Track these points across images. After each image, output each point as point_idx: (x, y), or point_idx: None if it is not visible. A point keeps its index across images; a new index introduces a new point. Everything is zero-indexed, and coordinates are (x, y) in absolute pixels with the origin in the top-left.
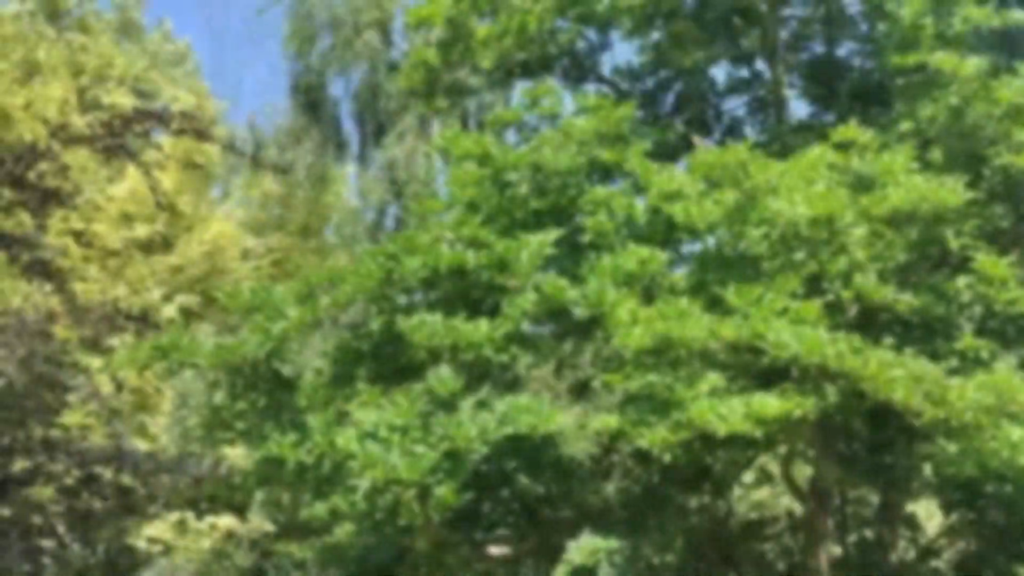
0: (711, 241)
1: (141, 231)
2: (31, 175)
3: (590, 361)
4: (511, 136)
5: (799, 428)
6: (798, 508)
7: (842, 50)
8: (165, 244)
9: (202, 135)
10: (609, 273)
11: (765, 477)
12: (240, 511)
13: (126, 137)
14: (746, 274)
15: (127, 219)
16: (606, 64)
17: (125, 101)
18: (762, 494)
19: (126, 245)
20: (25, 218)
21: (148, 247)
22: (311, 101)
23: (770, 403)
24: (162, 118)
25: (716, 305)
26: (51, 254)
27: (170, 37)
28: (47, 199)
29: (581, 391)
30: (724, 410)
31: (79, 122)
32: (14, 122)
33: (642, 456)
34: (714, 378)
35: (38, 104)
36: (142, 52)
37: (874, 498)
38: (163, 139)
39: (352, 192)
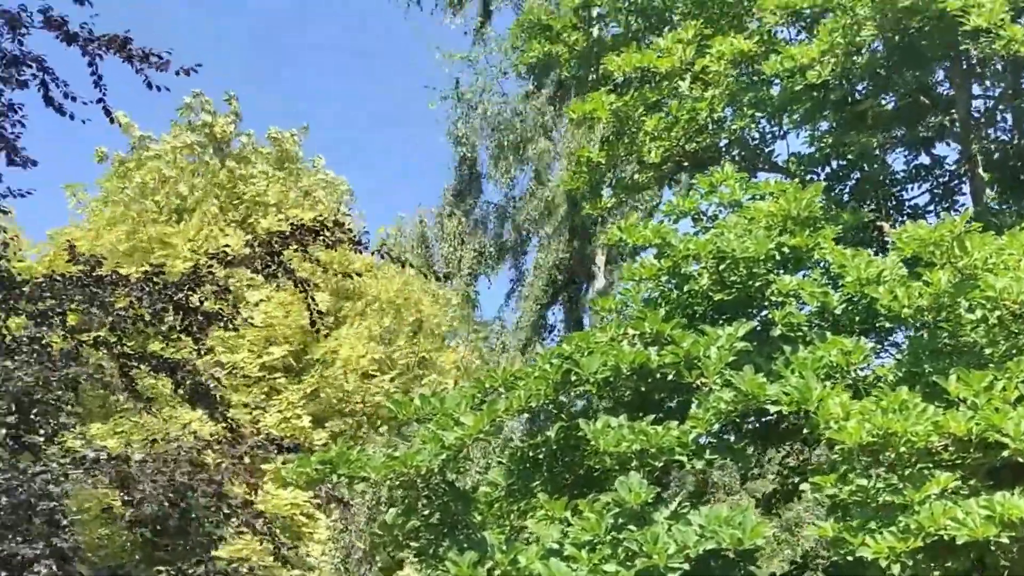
0: (913, 328)
1: (277, 353)
2: (194, 299)
3: (791, 464)
4: (686, 228)
5: None
6: None
7: None
8: (298, 364)
9: (357, 244)
10: (810, 366)
11: None
12: None
13: (283, 255)
14: (966, 361)
15: (265, 343)
16: (779, 153)
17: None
18: None
19: (264, 370)
20: (186, 343)
21: (284, 369)
22: (472, 203)
23: (1019, 504)
24: (317, 232)
25: (934, 397)
26: (209, 380)
27: (324, 169)
28: (208, 322)
29: (777, 497)
30: (962, 513)
31: (238, 243)
32: (179, 251)
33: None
34: (945, 477)
35: (201, 231)
36: (295, 183)
37: None
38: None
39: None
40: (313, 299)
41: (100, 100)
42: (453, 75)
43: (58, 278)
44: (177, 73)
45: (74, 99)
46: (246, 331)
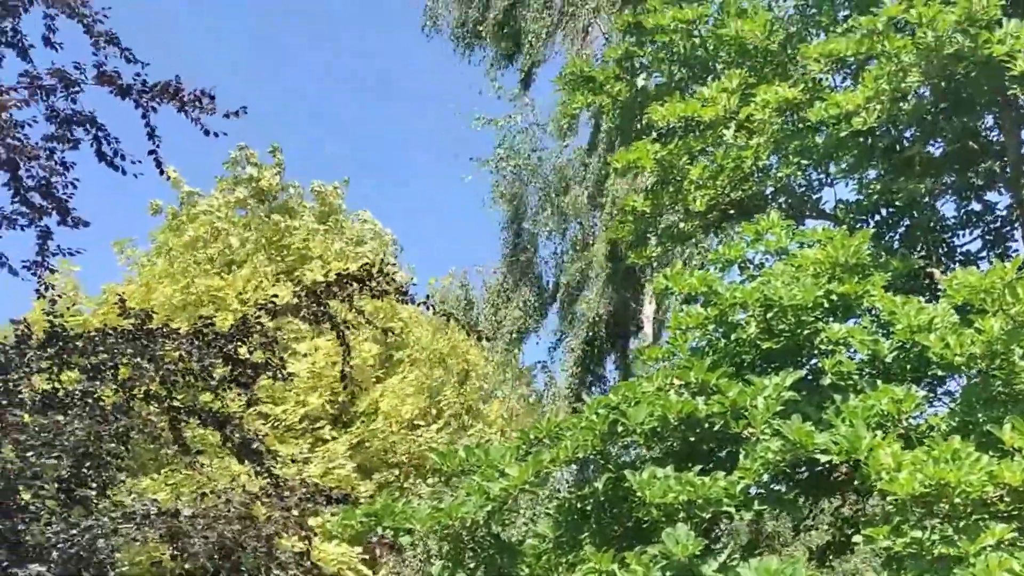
0: (966, 377)
1: (315, 402)
2: (242, 350)
3: (844, 515)
4: (733, 276)
5: None
6: None
7: None
8: (343, 414)
9: (402, 294)
10: (860, 415)
11: None
12: None
13: (328, 304)
14: (1021, 410)
15: (308, 393)
16: (826, 200)
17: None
18: None
19: (308, 420)
20: (233, 395)
21: (331, 420)
22: (517, 259)
23: None
24: (363, 280)
25: (988, 446)
26: (255, 433)
27: (369, 220)
28: (257, 373)
29: (831, 549)
30: (1018, 565)
31: (285, 295)
32: (228, 303)
33: None
34: (1000, 528)
35: (250, 283)
36: (340, 235)
37: None
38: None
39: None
40: (348, 353)
41: (152, 152)
42: (499, 125)
43: (110, 332)
44: (226, 115)
45: (123, 157)
46: (292, 382)
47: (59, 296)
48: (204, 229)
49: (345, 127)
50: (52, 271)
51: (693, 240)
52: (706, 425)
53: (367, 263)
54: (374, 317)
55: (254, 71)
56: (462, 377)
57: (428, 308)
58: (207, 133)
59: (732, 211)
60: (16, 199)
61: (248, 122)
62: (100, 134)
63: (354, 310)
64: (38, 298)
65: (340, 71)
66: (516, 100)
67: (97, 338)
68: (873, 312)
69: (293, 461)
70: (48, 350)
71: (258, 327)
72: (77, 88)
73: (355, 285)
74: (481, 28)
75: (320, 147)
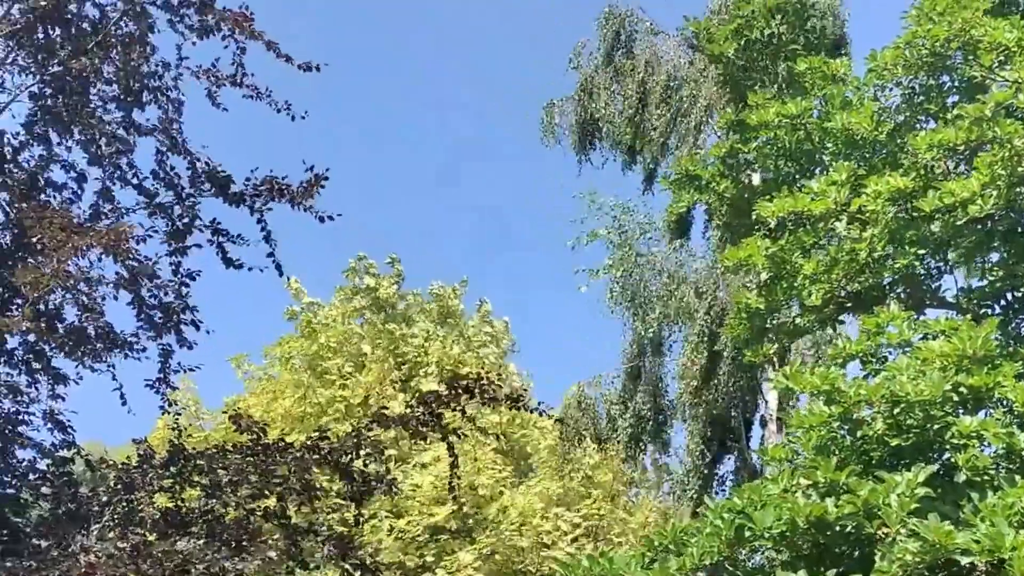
0: None
1: (443, 514)
2: (357, 463)
3: None
4: (853, 371)
5: None
6: None
7: None
8: (466, 525)
9: (515, 401)
10: (1000, 513)
11: None
12: None
13: (441, 415)
14: None
15: (433, 504)
16: (946, 288)
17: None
18: None
19: (430, 531)
20: (345, 511)
21: (454, 531)
22: (635, 365)
23: None
24: (476, 390)
25: None
26: (371, 549)
27: (488, 318)
28: (368, 488)
29: None
30: None
31: (398, 406)
32: (351, 412)
33: None
34: None
35: (371, 392)
36: (459, 337)
37: None
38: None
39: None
40: (456, 465)
41: (271, 254)
42: (609, 233)
43: (230, 449)
44: (330, 218)
45: (239, 266)
46: (415, 492)
47: (181, 411)
48: (329, 338)
49: (461, 236)
50: (174, 388)
51: (809, 335)
52: (837, 527)
53: (477, 374)
54: (499, 427)
55: (370, 181)
56: (587, 485)
57: (541, 414)
58: (321, 220)
59: (849, 304)
60: (141, 318)
61: (365, 230)
62: (222, 239)
63: (467, 418)
64: (162, 415)
65: (462, 195)
66: (630, 208)
67: (216, 455)
68: (1005, 404)
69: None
70: (171, 468)
71: (369, 440)
72: (194, 199)
73: (466, 394)
74: (598, 134)
75: (437, 256)
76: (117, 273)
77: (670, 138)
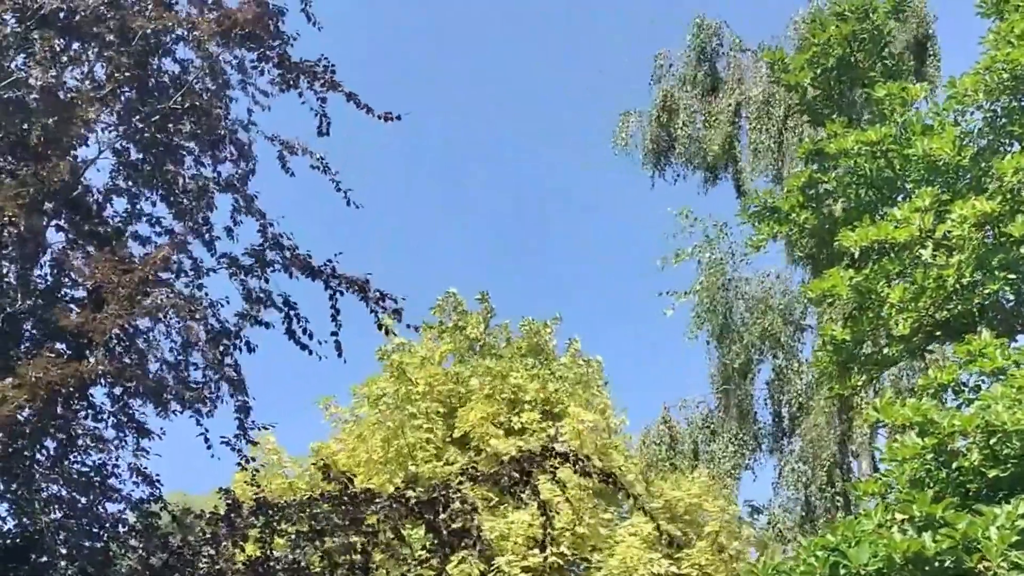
0: None
1: (541, 557)
2: (442, 518)
3: None
4: (946, 401)
5: None
6: None
7: None
8: (569, 566)
9: (608, 476)
10: None
11: None
12: None
13: (531, 474)
14: None
15: (529, 546)
16: None
17: (532, 416)
18: None
19: (529, 572)
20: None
21: (552, 573)
22: (723, 392)
23: None
24: (566, 457)
25: None
26: None
27: (578, 356)
28: (454, 543)
29: None
30: None
31: (503, 445)
32: (443, 452)
33: None
34: None
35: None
36: (550, 375)
37: None
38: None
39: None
40: (551, 525)
41: (334, 334)
42: (693, 255)
43: (316, 497)
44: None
45: (311, 336)
46: (510, 530)
47: (261, 467)
48: (419, 380)
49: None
50: (253, 443)
51: (898, 365)
52: (936, 563)
53: (573, 452)
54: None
55: (452, 213)
56: (691, 527)
57: (630, 497)
58: (379, 328)
59: (938, 332)
60: (218, 376)
61: (453, 264)
62: (292, 313)
63: (558, 483)
64: (240, 470)
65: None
66: (726, 227)
67: (304, 504)
68: None
69: None
70: (258, 518)
71: (459, 494)
72: (273, 269)
73: (558, 461)
74: (675, 149)
75: (527, 287)
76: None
77: (754, 158)
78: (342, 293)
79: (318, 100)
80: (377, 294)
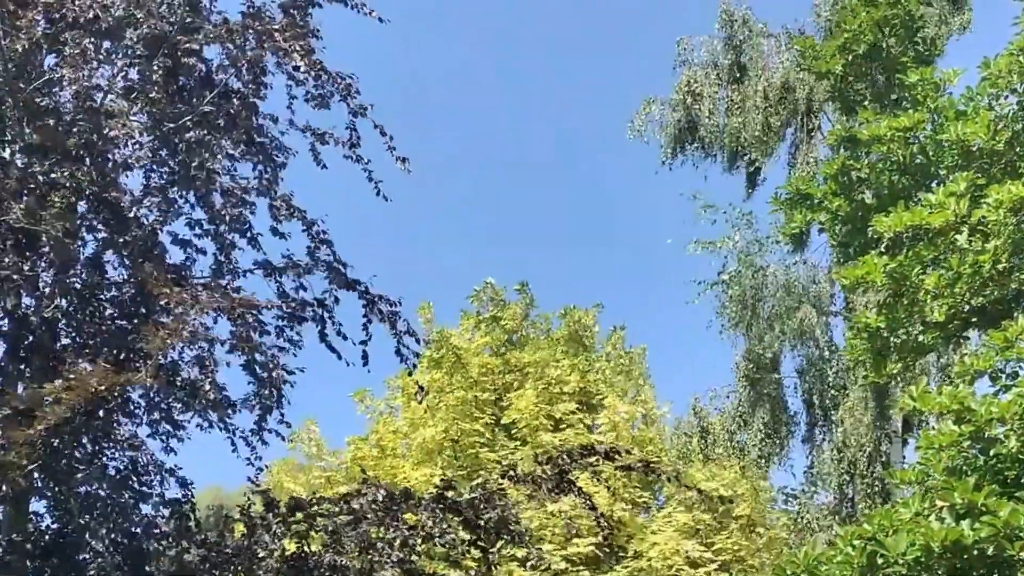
0: None
1: (583, 546)
2: (484, 518)
3: None
4: (982, 388)
5: None
6: None
7: None
8: (607, 557)
9: (647, 466)
10: None
11: None
12: None
13: (568, 472)
14: None
15: (570, 535)
16: None
17: (569, 407)
18: None
19: (570, 562)
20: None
21: (591, 562)
22: (753, 381)
23: None
24: (607, 455)
25: None
26: None
27: (621, 344)
28: (496, 538)
29: None
30: None
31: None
32: (493, 440)
33: None
34: None
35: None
36: (589, 366)
37: None
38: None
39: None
40: (600, 519)
41: (363, 342)
42: (717, 247)
43: (354, 493)
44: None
45: (333, 350)
46: (550, 520)
47: (304, 458)
48: (473, 370)
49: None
50: (266, 444)
51: (934, 352)
52: (975, 551)
53: (612, 446)
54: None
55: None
56: (720, 516)
57: (669, 478)
58: (397, 353)
59: (974, 319)
60: (253, 380)
61: (490, 254)
62: (327, 316)
63: (596, 479)
64: (257, 472)
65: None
66: (751, 216)
67: (342, 499)
68: None
69: None
70: (296, 515)
71: (499, 495)
72: (310, 273)
73: (598, 459)
74: (696, 134)
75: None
76: (232, 332)
77: (780, 145)
78: (379, 315)
79: (350, 114)
80: (405, 325)
